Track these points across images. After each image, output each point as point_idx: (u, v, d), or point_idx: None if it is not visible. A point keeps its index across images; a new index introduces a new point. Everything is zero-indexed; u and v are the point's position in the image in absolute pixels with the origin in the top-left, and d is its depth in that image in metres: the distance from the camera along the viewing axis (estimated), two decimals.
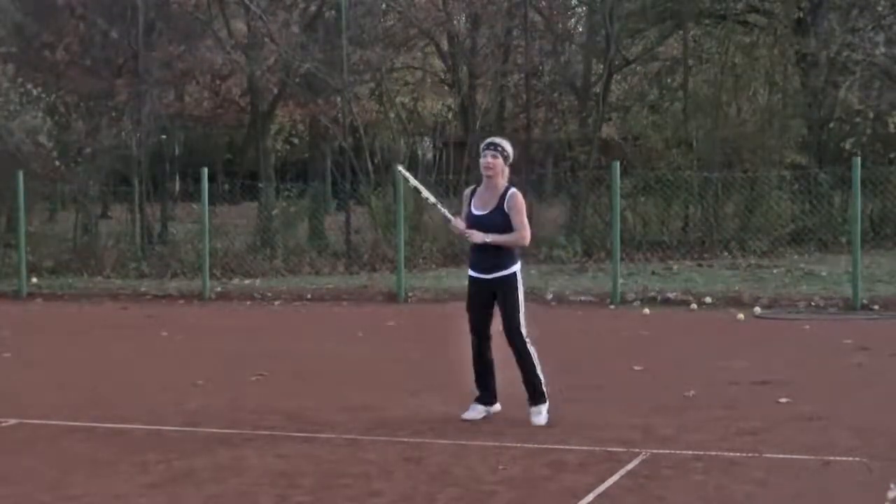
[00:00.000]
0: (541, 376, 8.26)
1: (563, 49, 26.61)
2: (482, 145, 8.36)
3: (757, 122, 24.28)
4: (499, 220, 8.14)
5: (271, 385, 10.18)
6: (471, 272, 8.35)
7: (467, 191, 8.51)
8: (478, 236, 8.14)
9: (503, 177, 8.26)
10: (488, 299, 8.29)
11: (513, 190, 8.24)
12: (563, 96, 26.40)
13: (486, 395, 8.46)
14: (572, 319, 14.81)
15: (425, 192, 8.70)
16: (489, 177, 8.22)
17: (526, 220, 8.20)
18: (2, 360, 12.06)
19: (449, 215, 8.53)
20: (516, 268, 8.24)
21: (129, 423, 8.54)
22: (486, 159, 8.21)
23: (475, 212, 8.27)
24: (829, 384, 9.83)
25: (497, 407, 8.50)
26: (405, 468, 7.05)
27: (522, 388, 8.32)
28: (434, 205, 8.69)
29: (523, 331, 8.20)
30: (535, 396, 8.27)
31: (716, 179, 22.14)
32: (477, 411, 8.42)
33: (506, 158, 8.28)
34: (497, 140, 8.40)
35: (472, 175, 23.79)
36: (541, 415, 8.22)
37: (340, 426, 8.25)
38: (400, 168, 9.56)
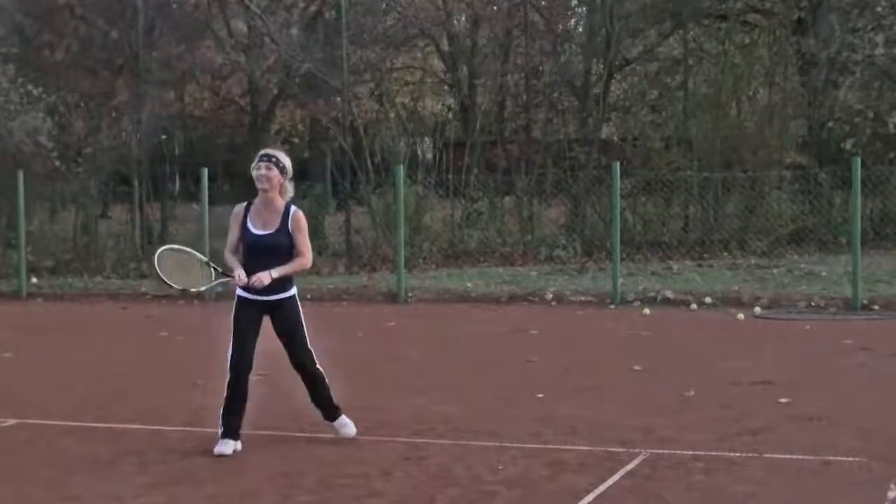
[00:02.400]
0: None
1: (563, 49, 26.61)
2: (257, 155, 7.58)
3: (757, 122, 24.26)
4: (283, 240, 7.46)
5: (271, 385, 10.15)
6: (240, 292, 7.55)
7: (239, 207, 7.63)
8: (264, 278, 7.29)
9: (283, 193, 7.53)
10: (258, 323, 7.56)
11: (294, 208, 7.54)
12: (563, 96, 26.39)
13: (237, 430, 7.60)
14: (572, 319, 14.81)
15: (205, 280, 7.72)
16: (265, 190, 7.47)
17: (308, 241, 7.52)
18: (2, 360, 12.06)
19: (229, 275, 7.50)
20: (294, 290, 7.61)
21: (129, 423, 8.54)
22: (261, 171, 7.43)
23: (255, 231, 7.47)
24: (829, 384, 9.83)
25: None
26: (405, 468, 7.05)
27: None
28: (212, 279, 7.67)
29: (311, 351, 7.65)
30: (332, 409, 7.87)
31: (716, 179, 22.12)
32: (229, 446, 7.53)
33: (282, 170, 7.47)
34: (272, 151, 7.58)
35: (471, 175, 23.84)
36: (346, 426, 7.85)
37: None
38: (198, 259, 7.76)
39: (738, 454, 7.22)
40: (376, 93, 27.38)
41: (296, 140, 35.02)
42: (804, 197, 22.11)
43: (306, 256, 7.49)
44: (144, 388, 10.07)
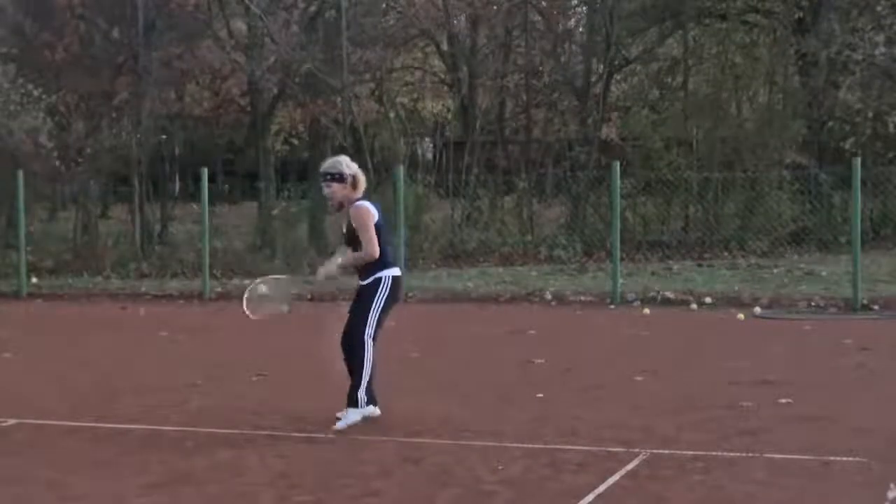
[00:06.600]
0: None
1: (563, 49, 26.63)
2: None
3: (757, 122, 24.28)
4: (350, 235, 8.25)
5: (271, 385, 10.18)
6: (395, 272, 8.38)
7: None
8: (320, 274, 8.50)
9: (356, 189, 8.23)
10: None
11: (356, 205, 8.20)
12: (563, 96, 26.40)
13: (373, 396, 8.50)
14: (572, 319, 14.81)
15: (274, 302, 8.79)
16: (334, 206, 8.34)
17: (370, 234, 8.12)
18: (2, 360, 12.05)
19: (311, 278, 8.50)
20: (380, 274, 8.26)
21: (129, 423, 8.54)
22: (324, 192, 8.32)
23: (343, 228, 8.39)
24: (829, 384, 9.82)
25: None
26: (405, 468, 7.05)
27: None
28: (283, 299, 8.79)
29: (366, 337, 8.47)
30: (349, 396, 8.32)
31: (716, 179, 22.13)
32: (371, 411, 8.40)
33: (340, 179, 8.17)
34: (326, 168, 8.24)
35: (472, 175, 23.84)
36: (344, 420, 8.20)
37: None
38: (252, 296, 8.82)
39: (738, 454, 7.22)
40: (376, 93, 27.40)
41: (296, 140, 35.05)
42: (804, 197, 22.11)
43: (365, 249, 8.13)
44: (144, 388, 10.07)
